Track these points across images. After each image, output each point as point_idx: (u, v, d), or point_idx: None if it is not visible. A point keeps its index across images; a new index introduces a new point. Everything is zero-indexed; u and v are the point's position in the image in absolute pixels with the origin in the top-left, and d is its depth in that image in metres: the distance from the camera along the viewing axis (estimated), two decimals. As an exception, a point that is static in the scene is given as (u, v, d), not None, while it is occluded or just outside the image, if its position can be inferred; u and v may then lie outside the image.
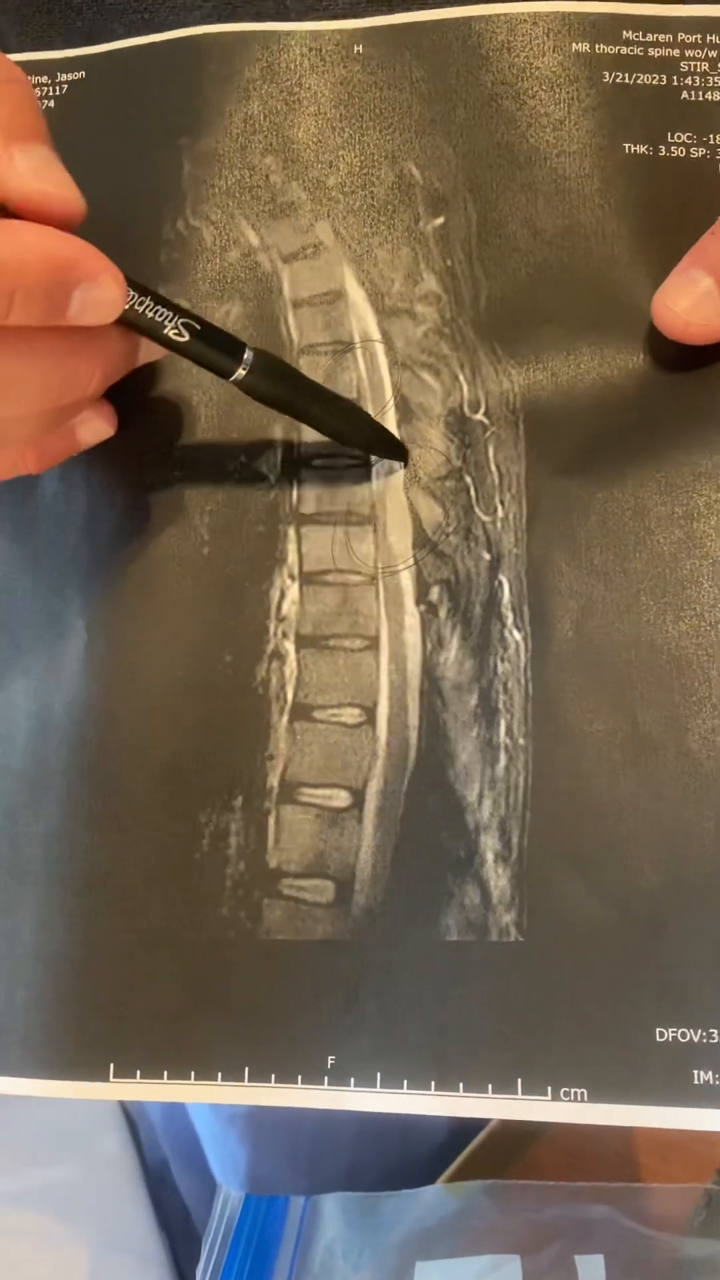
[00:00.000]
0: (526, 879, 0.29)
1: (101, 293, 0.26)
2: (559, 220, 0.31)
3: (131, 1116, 0.66)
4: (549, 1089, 0.28)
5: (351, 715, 0.30)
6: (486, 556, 0.30)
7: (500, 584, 0.30)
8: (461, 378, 0.31)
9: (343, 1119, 0.58)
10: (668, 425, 0.30)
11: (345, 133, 0.32)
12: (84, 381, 0.28)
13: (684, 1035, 0.28)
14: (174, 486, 0.32)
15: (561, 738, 0.29)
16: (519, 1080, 0.28)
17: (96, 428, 0.31)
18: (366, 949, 0.29)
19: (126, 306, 0.27)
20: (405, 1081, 0.28)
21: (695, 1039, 0.28)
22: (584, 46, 0.32)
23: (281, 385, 0.29)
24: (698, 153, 0.31)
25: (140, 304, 0.28)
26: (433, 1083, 0.28)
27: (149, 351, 0.30)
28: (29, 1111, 0.64)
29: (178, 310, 0.28)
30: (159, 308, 0.28)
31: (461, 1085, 0.28)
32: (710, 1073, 0.27)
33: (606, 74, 0.32)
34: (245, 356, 0.29)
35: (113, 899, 0.30)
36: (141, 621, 0.31)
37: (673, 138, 0.31)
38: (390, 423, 0.31)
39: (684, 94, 0.31)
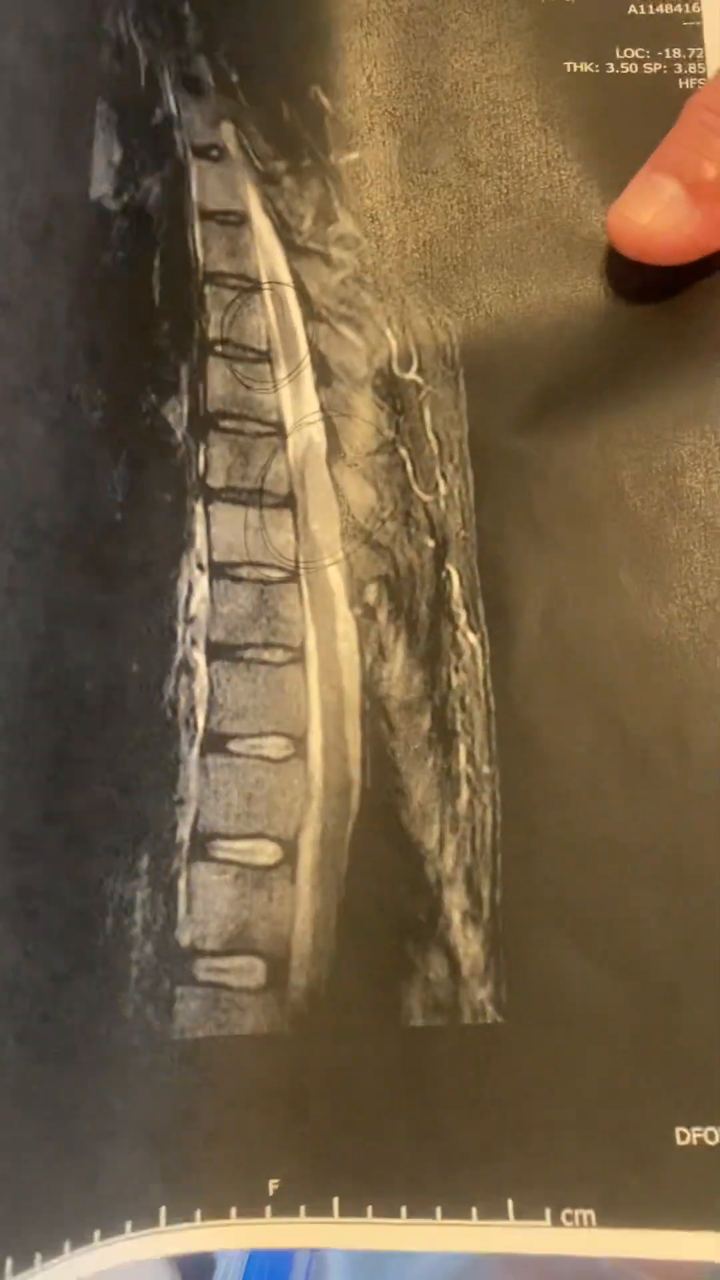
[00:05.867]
0: (503, 943, 0.26)
1: None
2: (494, 149, 0.30)
3: None
4: (547, 1211, 0.24)
5: (276, 747, 0.27)
6: (430, 544, 0.28)
7: (448, 575, 0.28)
8: (388, 332, 0.30)
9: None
10: (638, 365, 0.29)
11: None
12: None
13: (712, 1136, 0.24)
14: (96, 409, 0.28)
15: (535, 761, 0.27)
16: (509, 1202, 0.24)
17: None
18: (310, 1043, 0.25)
19: None
20: (369, 1208, 0.24)
21: None
22: None
23: None
24: (652, 68, 0.31)
25: None
26: (403, 1209, 0.24)
27: None
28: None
29: None
30: None
31: (439, 1211, 0.24)
32: None
33: None
34: None
35: (17, 1013, 0.25)
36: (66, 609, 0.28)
37: (622, 53, 0.31)
38: (307, 385, 0.29)
39: (631, 7, 0.31)
